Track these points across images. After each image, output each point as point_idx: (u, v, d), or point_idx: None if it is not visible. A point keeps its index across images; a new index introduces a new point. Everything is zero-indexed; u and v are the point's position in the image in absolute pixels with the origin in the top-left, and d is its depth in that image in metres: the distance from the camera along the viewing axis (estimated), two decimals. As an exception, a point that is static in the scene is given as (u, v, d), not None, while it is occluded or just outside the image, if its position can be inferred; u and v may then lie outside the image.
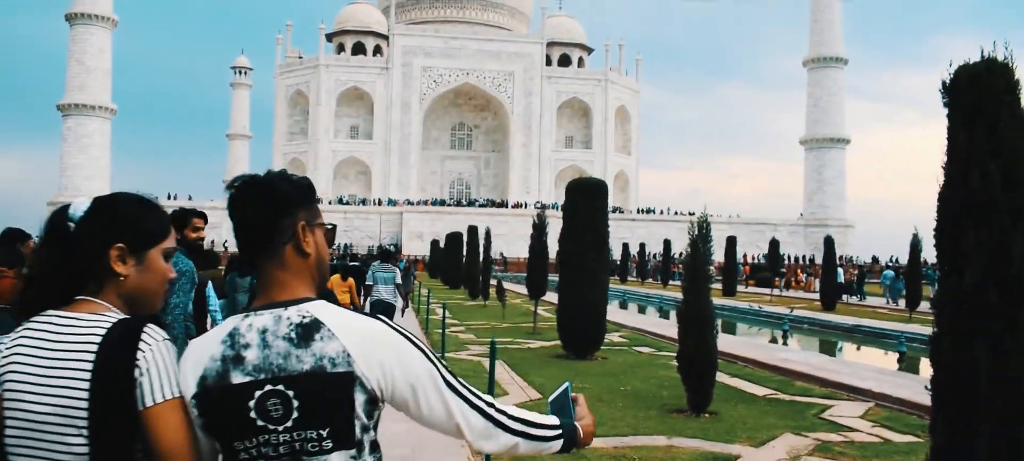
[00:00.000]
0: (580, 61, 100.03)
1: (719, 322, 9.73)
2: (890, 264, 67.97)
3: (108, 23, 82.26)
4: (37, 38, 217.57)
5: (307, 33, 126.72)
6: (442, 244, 51.23)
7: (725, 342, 12.36)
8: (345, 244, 75.74)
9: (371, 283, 15.88)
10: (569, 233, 12.56)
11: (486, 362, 12.47)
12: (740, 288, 39.58)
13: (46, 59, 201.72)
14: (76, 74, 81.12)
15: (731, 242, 36.77)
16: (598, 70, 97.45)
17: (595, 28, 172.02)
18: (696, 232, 8.08)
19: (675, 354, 12.22)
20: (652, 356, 13.68)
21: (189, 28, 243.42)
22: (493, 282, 26.46)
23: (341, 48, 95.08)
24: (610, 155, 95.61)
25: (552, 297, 18.16)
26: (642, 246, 60.13)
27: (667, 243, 47.61)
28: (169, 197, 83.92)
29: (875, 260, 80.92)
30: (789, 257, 78.06)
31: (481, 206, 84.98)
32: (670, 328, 18.64)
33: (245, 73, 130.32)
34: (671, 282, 43.25)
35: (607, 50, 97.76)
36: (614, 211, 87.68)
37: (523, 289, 37.33)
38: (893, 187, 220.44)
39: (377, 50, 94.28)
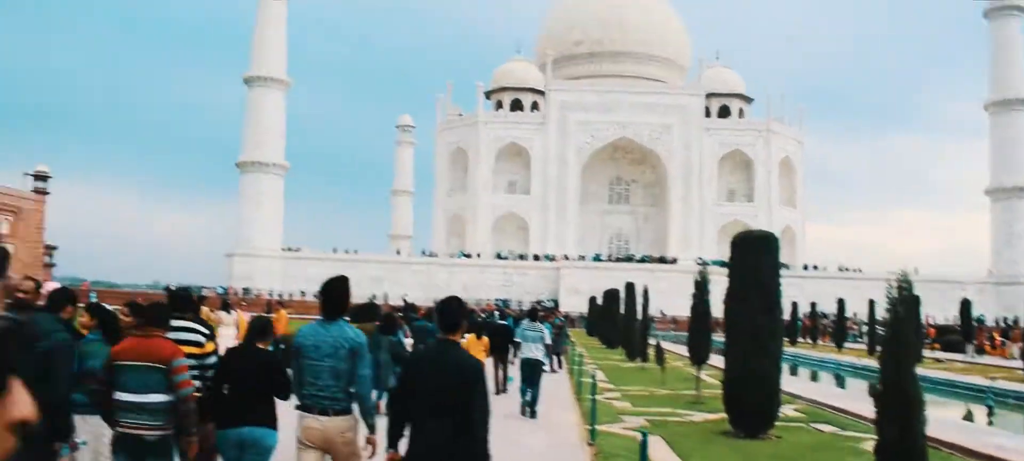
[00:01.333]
0: (740, 112, 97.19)
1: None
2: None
3: (282, 85, 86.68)
4: (217, 100, 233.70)
5: (466, 91, 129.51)
6: (600, 301, 50.02)
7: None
8: (503, 301, 75.69)
9: (520, 341, 16.48)
10: (736, 292, 11.18)
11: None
12: (925, 353, 36.25)
13: (224, 119, 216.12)
14: (252, 133, 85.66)
15: (914, 301, 33.70)
16: (759, 120, 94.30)
17: (754, 78, 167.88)
18: (896, 293, 6.66)
19: (864, 435, 10.60)
20: (835, 437, 12.01)
21: (355, 88, 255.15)
22: (652, 342, 24.98)
23: (499, 105, 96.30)
24: (774, 209, 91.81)
25: (716, 361, 16.68)
26: (812, 306, 56.69)
27: (841, 303, 44.40)
28: (334, 250, 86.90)
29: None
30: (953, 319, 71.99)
31: (640, 261, 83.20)
32: (851, 401, 16.75)
33: (408, 131, 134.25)
34: (846, 345, 40.20)
35: (768, 100, 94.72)
36: (780, 267, 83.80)
37: (684, 350, 35.67)
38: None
39: (534, 106, 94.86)
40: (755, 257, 11.08)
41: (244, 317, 18.93)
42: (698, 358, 16.24)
